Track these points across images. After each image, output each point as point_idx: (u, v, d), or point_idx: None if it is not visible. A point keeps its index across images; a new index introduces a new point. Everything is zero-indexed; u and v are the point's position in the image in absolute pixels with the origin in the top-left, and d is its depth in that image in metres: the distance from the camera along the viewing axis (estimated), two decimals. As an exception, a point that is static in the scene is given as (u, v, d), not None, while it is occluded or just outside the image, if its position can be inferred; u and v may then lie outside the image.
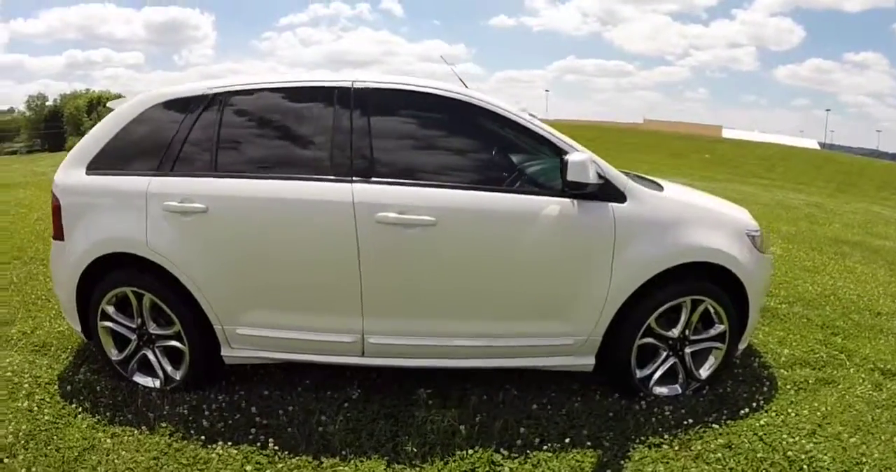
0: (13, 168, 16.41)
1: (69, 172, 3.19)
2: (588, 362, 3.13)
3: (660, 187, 3.47)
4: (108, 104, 3.39)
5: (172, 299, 3.04)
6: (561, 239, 2.97)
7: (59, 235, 3.22)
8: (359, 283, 2.90)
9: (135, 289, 3.09)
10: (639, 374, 3.20)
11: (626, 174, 3.27)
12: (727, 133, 61.85)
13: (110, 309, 3.16)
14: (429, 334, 3.03)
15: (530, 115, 3.26)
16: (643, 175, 3.85)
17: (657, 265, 2.99)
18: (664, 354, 3.22)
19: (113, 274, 3.12)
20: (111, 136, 3.18)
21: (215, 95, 3.15)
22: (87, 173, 3.15)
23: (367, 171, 2.92)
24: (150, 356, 3.21)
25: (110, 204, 3.11)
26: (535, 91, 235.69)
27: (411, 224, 2.83)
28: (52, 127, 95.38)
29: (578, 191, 2.84)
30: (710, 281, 3.12)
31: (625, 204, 2.97)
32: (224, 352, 3.13)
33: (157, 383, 3.19)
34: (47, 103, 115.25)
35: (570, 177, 2.76)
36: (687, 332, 3.18)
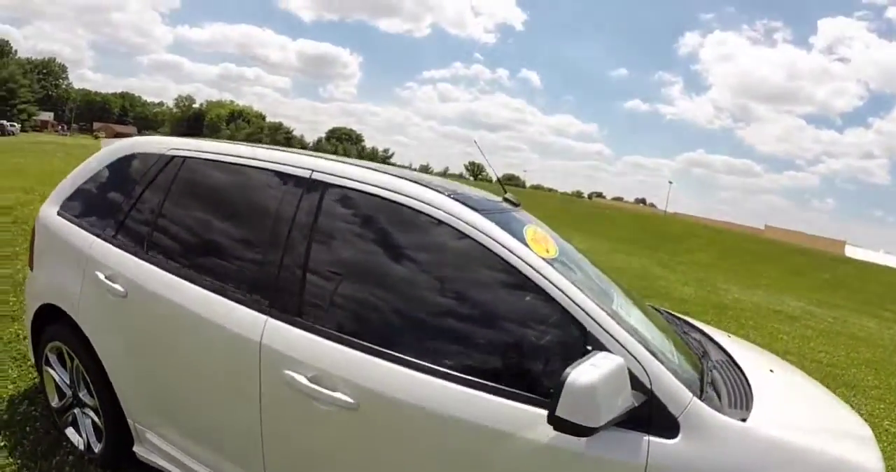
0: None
1: (48, 207, 3.05)
2: None
3: (748, 400, 2.10)
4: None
5: (94, 372, 2.70)
6: None
7: (30, 265, 3.09)
8: (259, 440, 2.22)
9: (66, 348, 2.82)
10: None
11: (705, 362, 2.34)
12: (851, 251, 56.21)
13: (52, 357, 2.96)
14: None
15: (507, 200, 2.58)
16: (742, 346, 2.98)
17: None
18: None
19: (54, 325, 2.88)
20: (84, 179, 3.02)
21: (173, 157, 2.74)
22: (58, 213, 2.98)
23: (289, 304, 2.18)
24: (79, 418, 2.93)
25: (62, 253, 2.88)
26: (659, 180, 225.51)
27: (323, 400, 2.01)
28: (193, 127, 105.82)
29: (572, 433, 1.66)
30: None
31: (674, 441, 1.77)
32: (136, 448, 2.68)
33: (81, 444, 2.89)
34: (194, 105, 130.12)
35: (560, 411, 1.63)
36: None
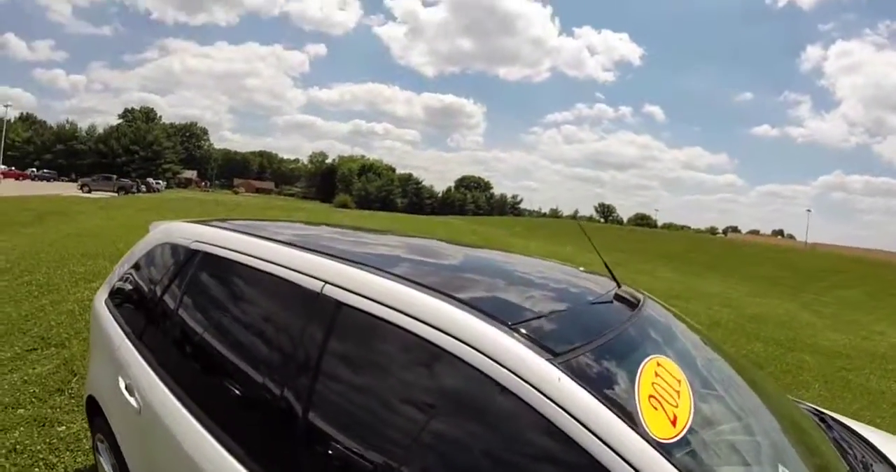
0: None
1: (101, 292, 3.07)
2: None
3: None
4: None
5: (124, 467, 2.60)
6: None
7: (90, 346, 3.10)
8: None
9: (104, 440, 2.77)
10: None
11: None
12: None
13: (100, 446, 2.93)
14: None
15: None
16: None
17: None
18: None
19: (98, 416, 2.79)
20: (126, 267, 2.96)
21: (195, 251, 2.48)
22: (105, 301, 2.97)
23: (286, 461, 1.71)
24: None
25: (102, 346, 2.85)
26: (796, 208, 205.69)
27: None
28: (326, 181, 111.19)
29: None
30: None
31: None
32: None
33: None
34: (327, 160, 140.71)
35: None
36: None
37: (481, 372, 1.38)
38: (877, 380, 7.84)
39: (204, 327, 2.32)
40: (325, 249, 2.10)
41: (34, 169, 71.91)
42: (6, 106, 74.67)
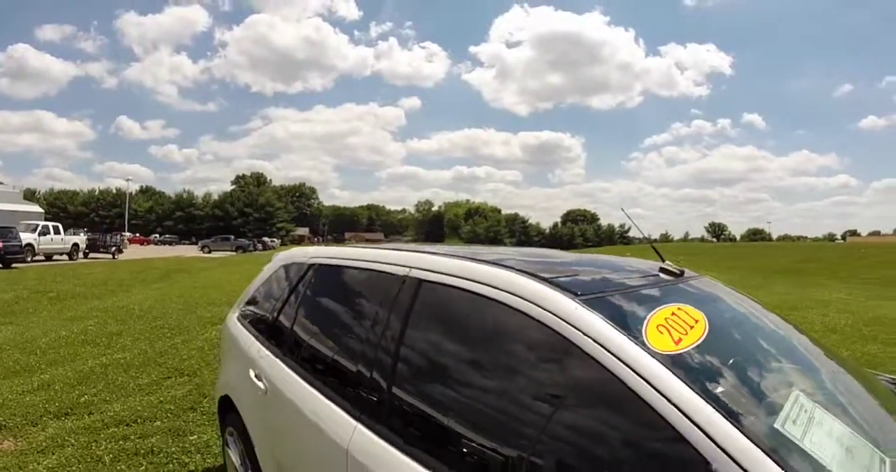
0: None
1: (232, 313, 3.60)
2: None
3: None
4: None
5: (250, 457, 3.02)
6: None
7: (220, 359, 3.59)
8: None
9: (236, 433, 3.22)
10: None
11: None
12: None
13: (230, 440, 3.37)
14: None
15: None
16: None
17: None
18: None
19: (230, 413, 3.28)
20: (255, 287, 3.48)
21: (312, 265, 3.02)
22: (237, 318, 3.50)
23: (376, 411, 2.03)
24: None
25: (234, 352, 3.35)
26: None
27: None
28: (434, 227, 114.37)
29: None
30: None
31: None
32: None
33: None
34: (433, 208, 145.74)
35: None
36: None
37: (520, 311, 1.74)
38: None
39: (318, 318, 2.84)
40: (409, 248, 2.57)
41: (157, 235, 77.81)
42: (127, 180, 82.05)
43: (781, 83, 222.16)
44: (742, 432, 1.27)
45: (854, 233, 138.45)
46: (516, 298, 1.77)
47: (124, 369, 6.39)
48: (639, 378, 1.41)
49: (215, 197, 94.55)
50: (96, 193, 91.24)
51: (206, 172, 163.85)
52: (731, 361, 1.68)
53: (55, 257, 28.18)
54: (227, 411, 3.33)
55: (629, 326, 1.59)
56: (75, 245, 30.01)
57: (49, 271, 19.00)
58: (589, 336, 1.54)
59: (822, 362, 2.12)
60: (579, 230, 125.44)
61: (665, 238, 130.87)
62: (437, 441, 1.83)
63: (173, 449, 4.19)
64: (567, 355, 1.59)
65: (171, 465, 3.95)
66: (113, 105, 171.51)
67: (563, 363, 1.63)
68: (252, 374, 2.92)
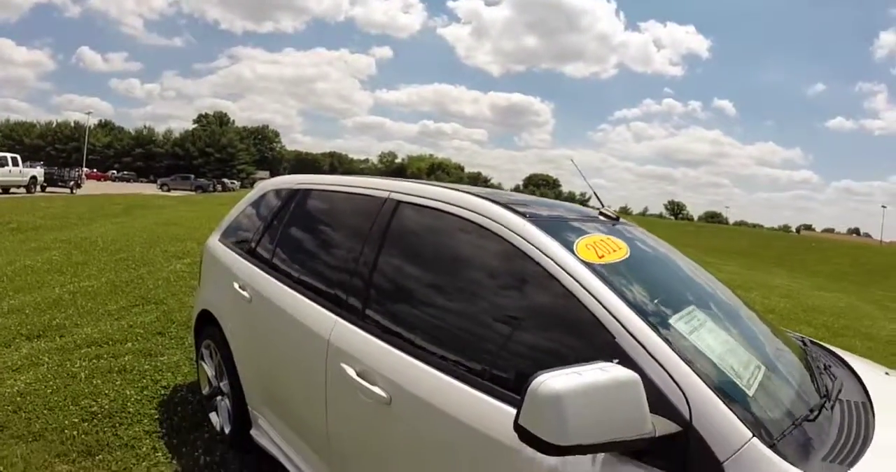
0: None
1: (212, 237, 3.87)
2: None
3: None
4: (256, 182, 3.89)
5: (228, 364, 3.34)
6: None
7: (199, 281, 3.91)
8: (325, 424, 2.48)
9: (213, 345, 3.51)
10: None
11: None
12: None
13: (205, 353, 3.67)
14: None
15: (605, 213, 2.49)
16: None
17: None
18: None
19: (208, 327, 3.60)
20: (238, 212, 3.76)
21: (300, 189, 3.35)
22: (219, 240, 3.77)
23: (354, 307, 2.43)
24: (219, 405, 3.61)
25: (216, 270, 3.64)
26: (874, 207, 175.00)
27: (365, 392, 2.15)
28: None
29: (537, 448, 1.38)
30: None
31: None
32: (252, 431, 3.18)
33: (218, 426, 3.57)
34: (396, 160, 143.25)
35: (523, 420, 1.38)
36: None
37: (480, 225, 2.18)
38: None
39: (305, 234, 3.21)
40: (391, 178, 2.97)
41: (114, 171, 75.96)
42: (88, 114, 79.60)
43: (756, 74, 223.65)
44: (641, 318, 1.68)
45: (809, 228, 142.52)
46: (478, 215, 2.20)
47: (92, 296, 6.57)
48: (567, 275, 1.84)
49: (176, 135, 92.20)
50: (53, 125, 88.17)
51: (168, 109, 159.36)
52: (643, 277, 2.11)
53: (12, 190, 27.60)
54: (205, 326, 3.63)
55: (564, 240, 2.01)
56: (33, 178, 29.42)
57: (6, 203, 18.68)
58: (531, 244, 1.98)
59: (727, 298, 2.52)
60: (540, 195, 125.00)
61: (624, 211, 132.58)
62: (409, 327, 2.25)
63: (146, 367, 4.46)
64: (514, 258, 2.02)
65: (143, 381, 4.22)
66: (75, 35, 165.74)
67: (511, 265, 2.05)
68: (237, 285, 3.22)
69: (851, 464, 1.48)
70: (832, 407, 1.82)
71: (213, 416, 3.65)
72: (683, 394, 1.49)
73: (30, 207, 17.50)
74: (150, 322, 5.61)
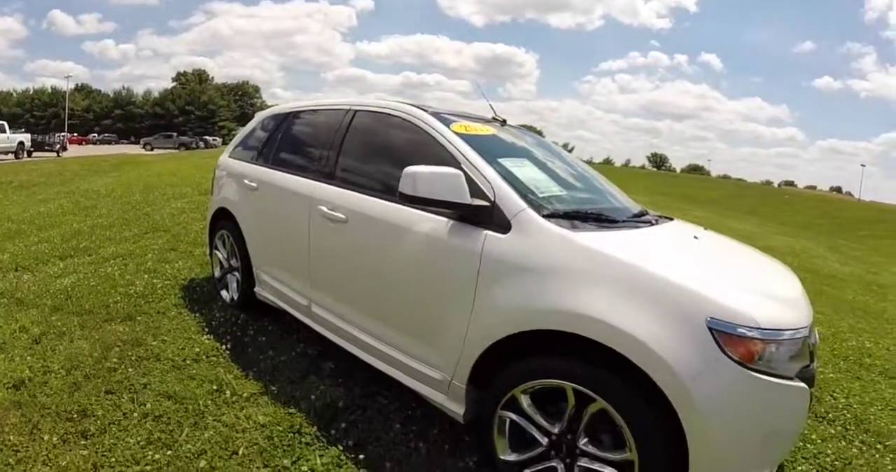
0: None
1: (223, 155, 5.02)
2: (457, 409, 2.78)
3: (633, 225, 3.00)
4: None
5: (239, 242, 4.47)
6: (428, 257, 2.87)
7: (211, 192, 5.09)
8: (308, 258, 3.66)
9: (227, 233, 4.70)
10: (506, 456, 2.60)
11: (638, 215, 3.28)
12: None
13: (219, 243, 4.86)
14: (345, 318, 3.43)
15: (497, 120, 3.78)
16: (666, 216, 3.57)
17: (507, 325, 2.47)
18: (541, 448, 2.49)
19: (222, 221, 4.77)
20: (246, 133, 4.94)
21: (289, 112, 4.58)
22: (228, 157, 4.93)
23: (330, 175, 3.64)
24: (229, 281, 4.76)
25: (229, 176, 4.78)
26: (857, 166, 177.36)
27: (333, 219, 3.40)
28: None
29: (413, 205, 2.86)
30: (609, 373, 2.22)
31: (505, 236, 2.58)
32: (256, 289, 4.37)
33: (228, 298, 4.74)
34: None
35: (401, 188, 2.75)
36: (581, 439, 2.36)
37: (407, 121, 3.36)
38: (853, 295, 8.00)
39: (295, 140, 4.40)
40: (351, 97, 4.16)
41: (95, 134, 75.42)
42: (67, 77, 78.50)
43: (744, 29, 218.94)
44: (478, 155, 2.95)
45: (791, 184, 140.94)
46: (407, 114, 3.37)
47: (107, 228, 7.63)
48: (441, 137, 3.12)
49: (155, 95, 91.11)
50: (31, 92, 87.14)
51: (145, 69, 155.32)
52: (497, 145, 3.39)
53: (0, 156, 28.21)
54: (217, 222, 4.81)
55: (446, 123, 3.23)
56: (21, 144, 29.92)
57: (1, 167, 19.46)
58: (429, 125, 3.22)
59: (582, 171, 3.88)
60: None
61: (607, 162, 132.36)
62: (358, 177, 3.53)
63: (166, 269, 5.60)
64: (419, 133, 3.24)
65: (166, 275, 5.38)
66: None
67: (417, 136, 3.25)
68: (246, 181, 4.39)
69: (593, 230, 2.62)
70: (628, 221, 3.05)
71: (223, 292, 4.80)
72: (491, 187, 2.76)
73: (24, 169, 18.26)
74: (162, 243, 6.71)
